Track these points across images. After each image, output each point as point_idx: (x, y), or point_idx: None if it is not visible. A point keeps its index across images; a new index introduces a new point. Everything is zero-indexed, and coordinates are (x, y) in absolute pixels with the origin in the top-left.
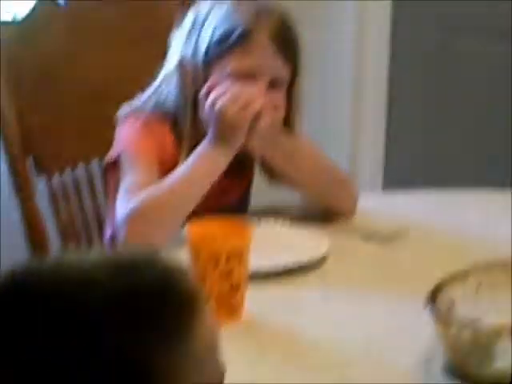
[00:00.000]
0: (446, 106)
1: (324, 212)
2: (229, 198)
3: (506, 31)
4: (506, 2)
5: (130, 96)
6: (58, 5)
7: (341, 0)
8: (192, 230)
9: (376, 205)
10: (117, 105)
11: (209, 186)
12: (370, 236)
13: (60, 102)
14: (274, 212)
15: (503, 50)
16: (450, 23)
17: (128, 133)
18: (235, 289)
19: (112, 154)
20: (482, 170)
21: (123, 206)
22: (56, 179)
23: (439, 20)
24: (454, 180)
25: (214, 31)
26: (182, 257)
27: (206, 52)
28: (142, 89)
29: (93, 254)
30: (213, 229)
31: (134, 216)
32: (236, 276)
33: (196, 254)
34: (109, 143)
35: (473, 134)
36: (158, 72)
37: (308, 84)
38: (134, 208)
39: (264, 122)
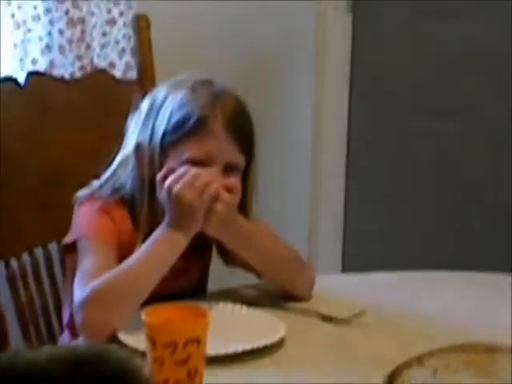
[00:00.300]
0: (405, 183)
1: (281, 294)
2: (186, 280)
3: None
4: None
5: (88, 178)
6: (18, 84)
7: (298, 80)
8: (149, 315)
9: (334, 286)
10: (75, 187)
11: (166, 270)
12: (327, 318)
13: (18, 183)
14: (231, 295)
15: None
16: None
17: (86, 216)
18: (193, 375)
19: (70, 237)
20: (436, 249)
21: (80, 290)
22: (14, 263)
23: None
24: (412, 261)
25: (170, 118)
26: (139, 341)
27: (163, 138)
28: (101, 171)
29: (48, 350)
30: (170, 314)
31: (91, 301)
32: (194, 362)
33: (153, 340)
34: (68, 226)
35: (424, 213)
36: (116, 155)
37: (266, 167)
38: (90, 293)
39: (220, 206)
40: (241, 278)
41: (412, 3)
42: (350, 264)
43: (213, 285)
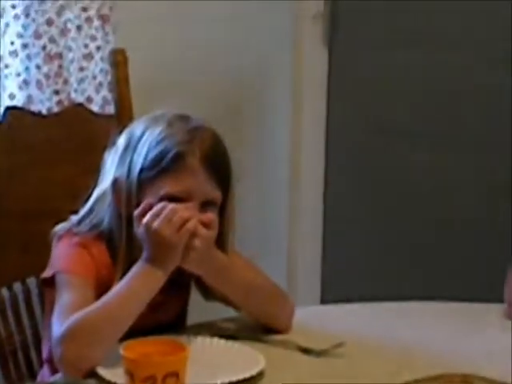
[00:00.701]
0: (382, 214)
1: (261, 326)
2: (165, 314)
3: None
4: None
5: (67, 213)
6: None
7: (275, 109)
8: (127, 350)
9: (313, 318)
10: (54, 222)
11: (144, 305)
12: (306, 350)
13: None
14: (210, 328)
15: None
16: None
17: (64, 251)
18: None
19: (48, 271)
20: (412, 280)
21: (58, 325)
22: None
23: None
24: (388, 292)
25: (147, 153)
26: (118, 376)
27: (140, 174)
28: (80, 206)
29: None
30: (148, 348)
31: (69, 336)
32: None
33: (131, 374)
34: (46, 261)
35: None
36: (93, 190)
37: (245, 200)
38: (68, 328)
39: (198, 242)
40: (220, 311)
41: (388, 32)
42: (328, 296)
43: (192, 318)
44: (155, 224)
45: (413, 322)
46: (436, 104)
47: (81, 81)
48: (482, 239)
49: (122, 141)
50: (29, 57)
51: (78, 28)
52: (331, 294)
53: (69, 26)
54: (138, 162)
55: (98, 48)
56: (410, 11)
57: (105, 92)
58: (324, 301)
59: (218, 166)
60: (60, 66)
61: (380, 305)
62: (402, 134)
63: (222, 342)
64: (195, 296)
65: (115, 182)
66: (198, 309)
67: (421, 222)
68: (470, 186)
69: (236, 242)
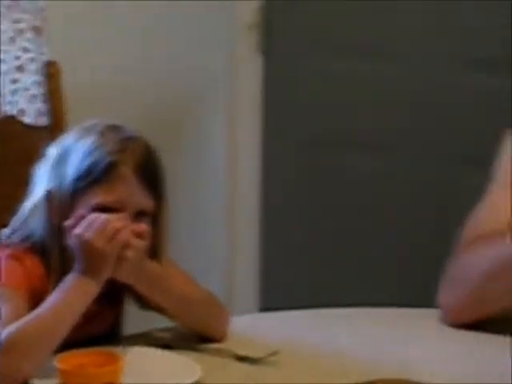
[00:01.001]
0: (320, 225)
1: (197, 336)
2: (100, 325)
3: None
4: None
5: (3, 225)
6: None
7: (210, 126)
8: (61, 361)
9: (250, 326)
10: None
11: (78, 316)
12: (242, 358)
13: None
14: (146, 338)
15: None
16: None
17: None
18: None
19: None
20: (349, 286)
21: None
22: None
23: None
24: (327, 298)
25: (79, 164)
26: None
27: (72, 185)
28: (12, 218)
29: None
30: (82, 360)
31: (3, 350)
32: None
33: None
34: None
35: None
36: (24, 202)
37: (180, 210)
38: (2, 341)
39: (130, 253)
40: (156, 321)
41: (325, 42)
42: (266, 304)
43: (128, 328)
44: (87, 235)
45: (350, 327)
46: (372, 113)
47: (13, 93)
48: (418, 245)
49: (53, 152)
50: None
51: (11, 40)
52: (269, 302)
53: (2, 37)
54: (70, 172)
55: (32, 60)
56: (346, 20)
57: (38, 104)
58: (262, 309)
59: (151, 175)
60: None
61: (317, 312)
62: (339, 144)
63: (158, 351)
64: (131, 306)
65: (47, 194)
66: (135, 319)
67: (358, 232)
68: (409, 197)
69: (171, 251)
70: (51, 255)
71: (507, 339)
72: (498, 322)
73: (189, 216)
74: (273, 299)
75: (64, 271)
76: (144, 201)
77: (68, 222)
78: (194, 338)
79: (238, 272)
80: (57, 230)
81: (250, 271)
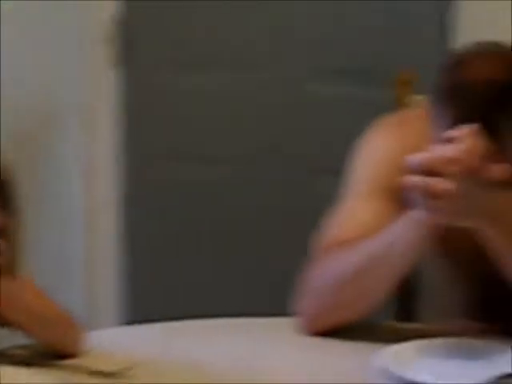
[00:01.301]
0: (178, 236)
1: (54, 352)
2: None
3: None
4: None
5: None
6: None
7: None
8: None
9: (109, 341)
10: None
11: None
12: (95, 373)
13: None
14: (1, 356)
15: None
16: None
17: None
18: None
19: None
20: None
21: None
22: None
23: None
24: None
25: None
26: None
27: None
28: None
29: None
30: None
31: None
32: None
33: None
34: None
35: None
36: None
37: (39, 226)
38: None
39: None
40: (15, 338)
41: (184, 55)
42: (132, 317)
43: None
44: None
45: (212, 339)
46: (237, 127)
47: None
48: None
49: None
50: None
51: None
52: (134, 315)
53: None
54: None
55: None
56: (204, 34)
57: None
58: (130, 322)
59: (2, 191)
60: None
61: (178, 324)
62: (194, 157)
63: (11, 369)
64: None
65: None
66: None
67: (215, 244)
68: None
69: (28, 266)
70: None
71: (367, 346)
72: (354, 329)
73: (45, 230)
74: (138, 312)
75: None
76: None
77: None
78: (51, 355)
79: (100, 285)
80: None
81: (111, 284)
